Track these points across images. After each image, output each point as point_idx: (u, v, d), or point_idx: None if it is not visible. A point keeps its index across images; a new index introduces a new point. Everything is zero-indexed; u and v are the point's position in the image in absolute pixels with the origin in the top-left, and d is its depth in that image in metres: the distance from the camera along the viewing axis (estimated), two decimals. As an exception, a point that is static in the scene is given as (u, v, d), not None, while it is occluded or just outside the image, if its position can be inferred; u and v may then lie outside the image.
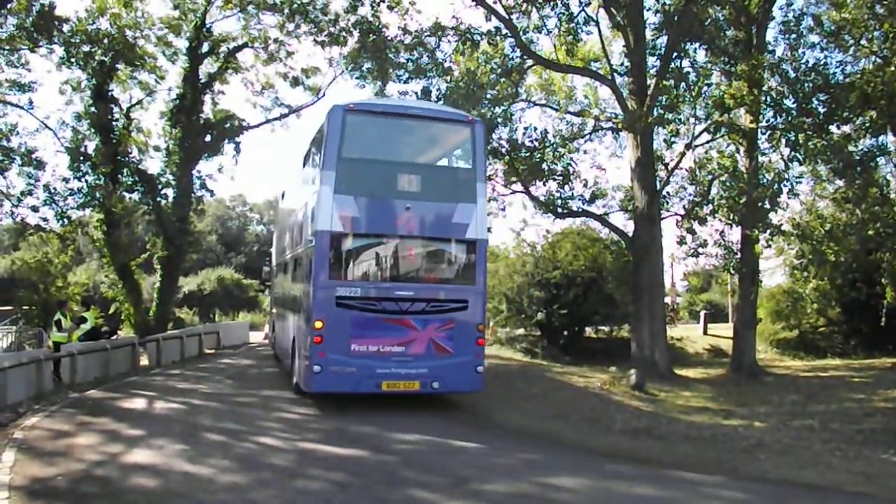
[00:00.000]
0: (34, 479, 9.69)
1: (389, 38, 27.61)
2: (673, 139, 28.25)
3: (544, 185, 28.92)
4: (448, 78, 28.00)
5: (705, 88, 27.16)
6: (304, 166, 18.96)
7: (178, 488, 9.39)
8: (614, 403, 19.91)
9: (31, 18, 30.19)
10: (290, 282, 20.01)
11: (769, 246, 28.67)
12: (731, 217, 26.50)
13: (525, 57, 28.13)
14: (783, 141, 26.09)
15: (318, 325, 14.78)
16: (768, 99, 25.74)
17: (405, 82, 28.90)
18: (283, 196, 26.30)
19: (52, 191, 32.88)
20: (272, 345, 26.43)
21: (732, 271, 29.27)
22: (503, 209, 31.14)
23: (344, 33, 31.55)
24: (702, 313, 43.93)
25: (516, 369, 25.69)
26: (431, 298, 15.35)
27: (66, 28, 31.47)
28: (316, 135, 16.94)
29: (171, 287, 36.92)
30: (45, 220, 33.42)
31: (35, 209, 32.92)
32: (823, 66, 25.36)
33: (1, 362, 16.14)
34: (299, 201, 18.61)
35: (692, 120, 28.27)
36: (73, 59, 32.81)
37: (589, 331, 33.30)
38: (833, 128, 25.34)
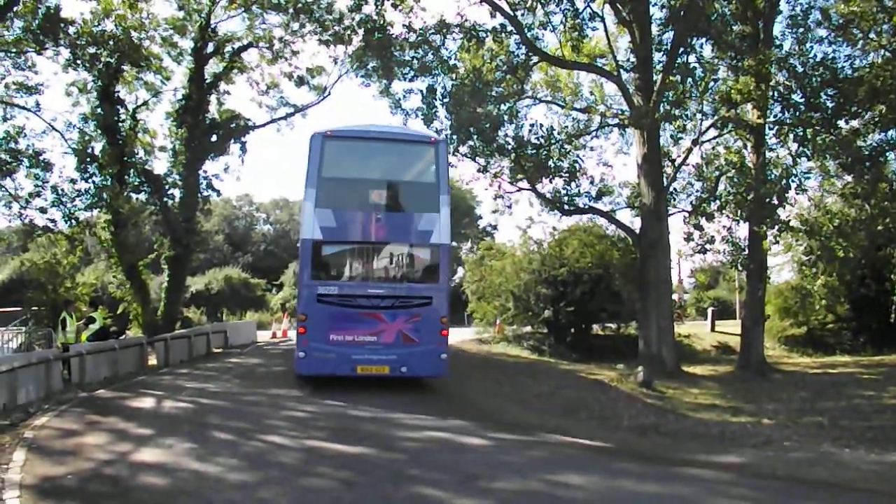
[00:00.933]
0: (44, 478, 9.72)
1: (394, 36, 27.60)
2: (680, 135, 28.26)
3: (550, 182, 28.87)
4: (453, 75, 28.00)
5: (712, 84, 27.15)
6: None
7: (187, 487, 9.40)
8: (622, 401, 19.90)
9: (37, 21, 30.18)
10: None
11: (777, 242, 28.70)
12: (739, 213, 26.43)
13: (530, 54, 28.08)
14: (791, 136, 26.09)
15: (302, 317, 17.82)
16: (776, 94, 25.64)
17: (410, 80, 28.94)
18: None
19: (60, 192, 32.93)
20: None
21: (740, 268, 29.27)
22: (509, 207, 31.07)
23: (348, 32, 31.52)
24: (709, 310, 43.77)
25: (524, 367, 25.67)
26: (399, 295, 17.89)
27: (71, 30, 31.42)
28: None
29: (178, 287, 36.95)
30: (53, 221, 33.48)
31: (43, 210, 32.99)
32: (831, 60, 25.26)
33: (11, 363, 16.22)
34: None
35: (699, 116, 28.22)
36: (79, 61, 32.81)
37: (596, 328, 33.18)
38: (841, 123, 25.27)
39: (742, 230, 27.97)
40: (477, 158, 28.66)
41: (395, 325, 17.59)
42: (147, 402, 16.49)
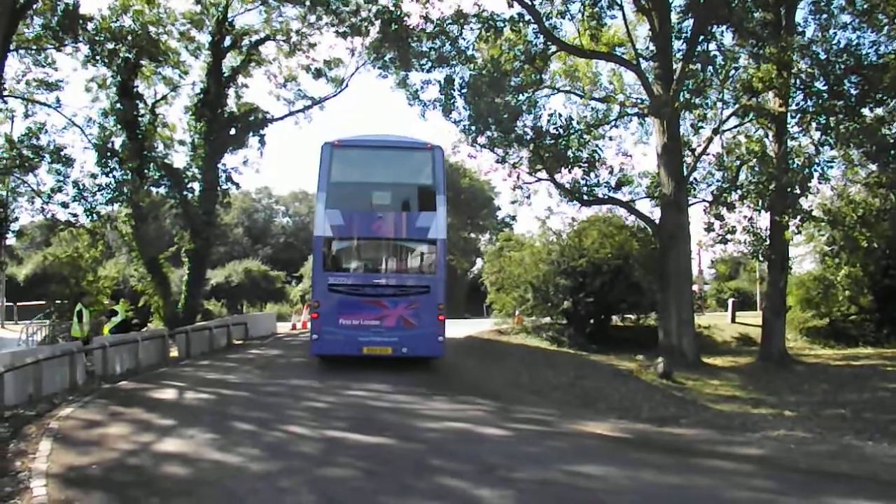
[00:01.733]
0: (70, 468, 9.81)
1: (411, 26, 27.59)
2: (700, 124, 28.15)
3: (569, 172, 28.85)
4: (471, 66, 27.97)
5: (733, 72, 26.99)
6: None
7: (209, 476, 9.46)
8: (642, 392, 19.86)
9: (55, 18, 30.36)
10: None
11: (799, 232, 28.49)
12: (760, 203, 26.33)
13: (549, 43, 28.01)
14: (813, 124, 25.92)
15: (315, 304, 20.06)
16: (798, 81, 25.48)
17: (428, 71, 28.95)
18: None
19: (81, 187, 33.11)
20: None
21: (761, 258, 29.11)
22: (528, 197, 31.10)
23: (365, 23, 31.50)
24: (730, 301, 43.56)
25: (543, 358, 25.63)
26: (400, 285, 20.02)
27: (90, 26, 31.59)
28: None
29: (199, 279, 37.11)
30: (74, 215, 33.68)
31: (65, 205, 33.18)
32: (856, 46, 25.07)
33: (36, 355, 16.38)
34: None
35: (719, 104, 28.11)
36: (97, 57, 32.97)
37: (616, 319, 33.09)
38: (866, 110, 25.12)
39: (763, 220, 27.89)
40: (495, 149, 28.72)
41: (397, 310, 19.54)
42: (169, 394, 16.59)
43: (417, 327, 19.50)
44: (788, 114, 26.58)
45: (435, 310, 19.63)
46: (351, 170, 20.86)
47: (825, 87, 25.00)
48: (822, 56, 24.85)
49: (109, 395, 16.31)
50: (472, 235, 69.95)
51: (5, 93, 30.72)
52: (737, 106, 27.08)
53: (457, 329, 32.95)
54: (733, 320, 38.78)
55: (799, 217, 26.09)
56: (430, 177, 20.41)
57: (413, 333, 19.47)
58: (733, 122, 28.01)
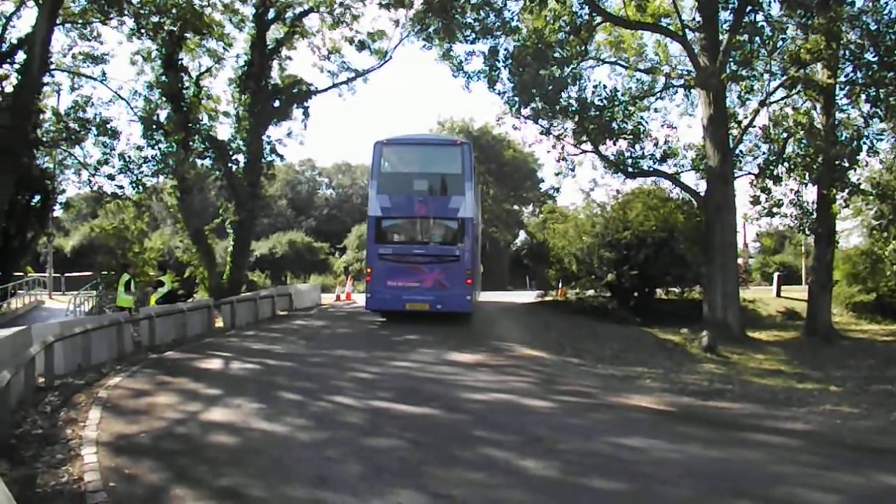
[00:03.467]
0: (119, 436, 9.97)
1: (455, -3, 27.47)
2: (747, 96, 27.79)
3: (614, 144, 28.70)
4: (515, 37, 27.80)
5: (780, 43, 26.53)
6: None
7: (256, 445, 9.58)
8: (686, 365, 19.76)
9: (101, -8, 30.64)
10: None
11: (847, 206, 28.07)
12: (807, 176, 26.02)
13: (594, 14, 27.72)
14: (863, 96, 25.48)
15: (369, 270, 24.42)
16: (847, 53, 25.05)
17: (472, 43, 28.86)
18: None
19: (127, 159, 33.53)
20: None
21: (808, 232, 28.74)
22: (572, 169, 30.94)
23: (410, -6, 31.40)
24: (775, 275, 43.07)
25: (587, 330, 25.56)
26: (435, 254, 24.02)
27: (135, 0, 31.82)
28: None
29: (243, 251, 37.45)
30: (120, 187, 34.14)
31: (111, 177, 33.64)
32: (907, 16, 24.49)
33: (84, 325, 16.61)
34: None
35: (767, 76, 27.65)
36: (143, 30, 33.19)
37: (660, 292, 32.88)
38: (918, 82, 24.54)
39: (810, 193, 27.50)
40: (540, 120, 28.58)
41: (433, 275, 23.66)
42: (215, 364, 16.78)
43: (449, 288, 23.60)
44: (837, 85, 26.13)
45: (463, 274, 23.77)
46: (396, 162, 25.49)
47: (875, 59, 24.53)
48: (873, 26, 24.37)
49: (156, 364, 16.55)
50: (516, 207, 69.66)
51: (52, 66, 31.05)
52: (784, 77, 26.60)
53: (498, 301, 33.06)
54: (778, 294, 38.36)
55: (847, 190, 25.73)
56: (460, 167, 24.21)
57: (446, 293, 23.57)
58: (780, 93, 27.58)
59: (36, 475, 8.29)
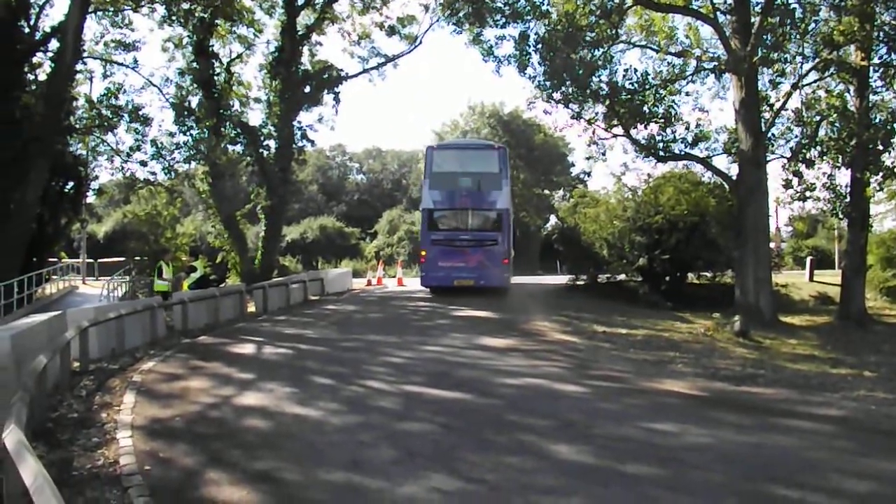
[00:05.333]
0: (153, 420, 10.08)
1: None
2: (779, 79, 27.40)
3: (645, 128, 28.46)
4: (546, 21, 27.62)
5: (813, 25, 26.10)
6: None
7: (290, 429, 9.65)
8: (718, 350, 19.64)
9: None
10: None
11: (881, 189, 27.69)
12: (840, 159, 25.71)
13: (624, -3, 27.46)
14: (897, 78, 25.02)
15: (423, 253, 28.69)
16: (881, 34, 24.65)
17: (502, 27, 28.85)
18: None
19: (159, 145, 33.88)
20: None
21: (841, 216, 28.40)
22: (603, 154, 30.72)
23: (440, -21, 31.32)
24: (807, 259, 42.68)
25: (618, 315, 25.45)
26: (477, 239, 27.95)
27: (165, -12, 32.07)
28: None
29: (275, 236, 37.66)
30: (153, 173, 34.50)
31: (143, 164, 33.99)
32: (944, -4, 24.08)
33: (118, 310, 16.77)
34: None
35: (799, 58, 27.21)
36: (174, 17, 33.45)
37: (691, 276, 32.66)
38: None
39: (843, 177, 27.16)
40: (570, 104, 28.40)
41: (476, 256, 27.72)
42: (248, 348, 16.90)
43: (489, 268, 27.63)
44: (871, 67, 25.74)
45: (501, 256, 27.94)
46: (445, 163, 29.19)
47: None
48: (908, 7, 23.99)
49: (189, 349, 16.68)
50: (546, 192, 69.45)
51: (85, 54, 31.31)
52: (817, 60, 26.22)
53: (529, 284, 33.11)
54: (811, 279, 38.03)
55: (881, 174, 25.41)
56: (497, 167, 28.33)
57: (486, 272, 27.63)
58: (813, 76, 27.15)
59: (72, 458, 8.39)
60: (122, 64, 34.22)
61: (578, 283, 33.70)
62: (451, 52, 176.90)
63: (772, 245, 34.80)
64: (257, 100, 37.81)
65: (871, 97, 26.11)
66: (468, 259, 27.74)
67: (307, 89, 36.72)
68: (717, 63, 28.22)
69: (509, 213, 29.21)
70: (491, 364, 14.73)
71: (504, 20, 28.29)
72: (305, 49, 37.06)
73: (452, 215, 28.64)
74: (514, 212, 36.15)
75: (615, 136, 29.45)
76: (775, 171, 71.00)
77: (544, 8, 28.11)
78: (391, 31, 37.62)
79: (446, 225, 28.55)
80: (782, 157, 27.79)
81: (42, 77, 29.82)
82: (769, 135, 27.60)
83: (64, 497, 4.40)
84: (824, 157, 26.12)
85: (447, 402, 11.19)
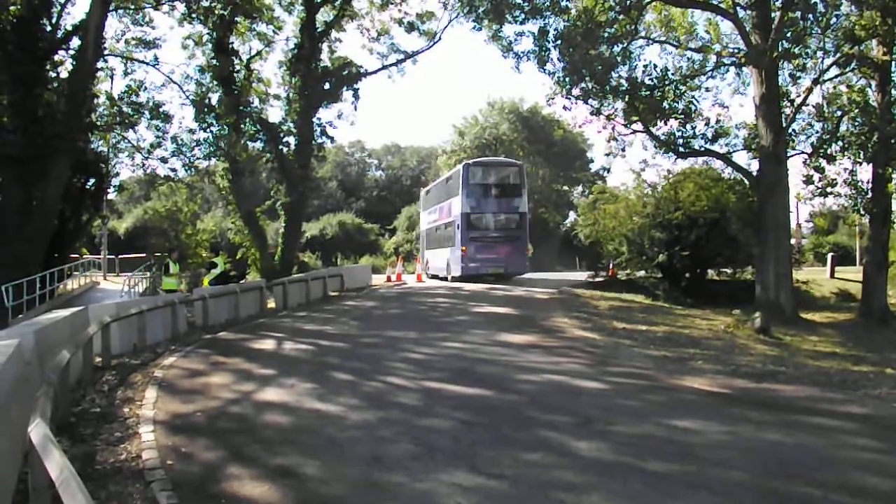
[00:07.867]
0: (175, 415, 10.16)
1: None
2: (799, 74, 27.21)
3: (665, 123, 28.32)
4: (565, 17, 27.54)
5: (834, 19, 25.87)
6: (445, 183, 40.31)
7: (310, 425, 9.69)
8: (738, 347, 19.55)
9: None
10: (443, 234, 38.50)
11: (903, 185, 27.43)
12: (862, 155, 25.49)
13: (644, -8, 27.35)
14: (920, 73, 24.80)
15: (463, 248, 34.11)
16: (904, 28, 24.38)
17: (521, 23, 28.68)
18: (426, 193, 46.27)
19: (179, 142, 34.09)
20: (425, 269, 42.30)
21: (863, 212, 28.15)
22: (623, 149, 30.57)
23: (459, -25, 31.29)
24: (829, 256, 42.38)
25: (638, 311, 25.41)
26: (504, 236, 34.87)
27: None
28: (453, 174, 38.68)
29: (294, 232, 37.82)
30: (173, 170, 34.77)
31: (164, 160, 34.23)
32: (968, -11, 23.79)
33: (139, 306, 16.89)
34: (446, 201, 38.04)
35: (820, 53, 26.95)
36: (194, 15, 33.62)
37: (711, 273, 32.50)
38: (978, 58, 23.92)
39: (865, 172, 26.93)
40: (590, 100, 28.29)
41: (503, 249, 34.59)
42: (268, 344, 17.00)
43: (514, 258, 34.80)
44: (893, 62, 25.51)
45: (522, 248, 35.05)
46: (478, 176, 35.38)
47: (933, 34, 23.89)
48: (931, 1, 23.71)
49: (210, 345, 16.81)
50: (565, 188, 69.35)
51: (106, 52, 31.48)
52: (838, 55, 25.95)
53: (548, 279, 33.17)
54: (832, 275, 37.77)
55: (903, 169, 25.18)
56: (518, 179, 35.81)
57: (511, 261, 34.83)
58: (834, 71, 26.87)
59: (95, 452, 8.47)
60: (142, 61, 34.50)
61: (597, 279, 33.65)
62: (470, 49, 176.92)
63: (792, 241, 34.61)
64: (277, 96, 38.05)
65: (893, 92, 25.86)
66: (498, 251, 34.55)
67: (326, 86, 36.88)
68: (736, 58, 28.09)
69: (527, 215, 36.17)
70: (511, 360, 14.71)
71: (523, 16, 28.17)
72: (325, 46, 37.23)
73: (485, 218, 35.02)
74: (528, 212, 40.61)
75: (635, 132, 29.32)
76: (796, 167, 70.36)
77: (563, 3, 27.98)
78: (410, 28, 37.74)
79: (480, 224, 34.74)
80: (803, 152, 27.61)
81: (64, 74, 30.01)
82: (790, 130, 27.41)
83: (87, 491, 4.43)
84: (845, 153, 25.92)
85: (467, 398, 11.18)
